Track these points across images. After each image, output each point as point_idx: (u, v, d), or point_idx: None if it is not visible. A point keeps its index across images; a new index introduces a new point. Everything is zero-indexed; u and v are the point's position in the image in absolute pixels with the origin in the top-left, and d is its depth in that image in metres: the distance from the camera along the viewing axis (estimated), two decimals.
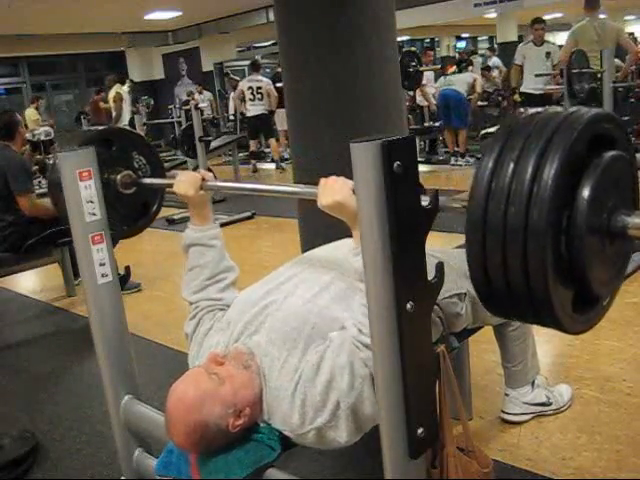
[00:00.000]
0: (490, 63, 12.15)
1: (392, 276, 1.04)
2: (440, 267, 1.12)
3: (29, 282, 4.76)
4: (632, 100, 6.98)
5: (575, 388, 2.31)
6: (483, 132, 8.79)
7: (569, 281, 0.87)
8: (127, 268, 3.90)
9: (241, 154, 9.53)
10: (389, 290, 1.05)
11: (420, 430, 1.12)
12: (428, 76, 8.21)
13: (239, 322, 1.53)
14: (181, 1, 10.37)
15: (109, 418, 1.83)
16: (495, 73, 11.48)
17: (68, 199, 1.65)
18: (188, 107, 7.33)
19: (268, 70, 14.39)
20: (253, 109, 9.19)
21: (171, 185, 1.67)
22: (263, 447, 1.39)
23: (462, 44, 20.56)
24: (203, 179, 1.62)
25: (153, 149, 1.97)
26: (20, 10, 8.76)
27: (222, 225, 5.95)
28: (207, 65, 14.10)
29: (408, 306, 1.06)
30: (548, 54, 6.74)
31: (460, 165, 7.94)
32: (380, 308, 1.06)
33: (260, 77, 9.33)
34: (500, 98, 10.30)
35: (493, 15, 14.00)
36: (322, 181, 1.31)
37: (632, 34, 17.60)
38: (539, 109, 0.91)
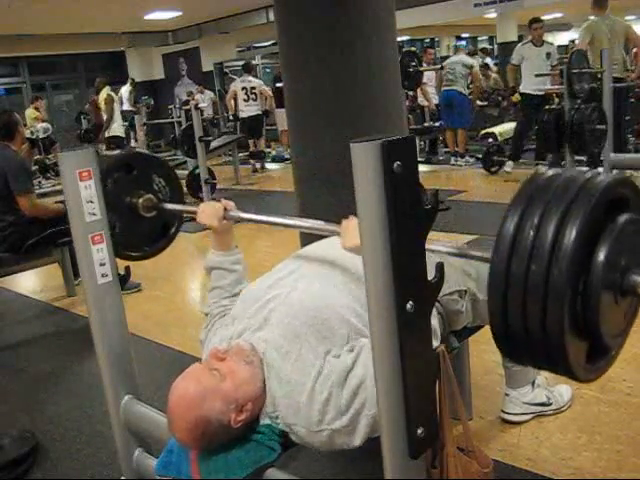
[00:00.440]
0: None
1: (392, 276, 1.04)
2: (440, 267, 1.12)
3: (29, 282, 4.76)
4: (632, 100, 6.98)
5: (575, 388, 2.31)
6: (483, 132, 8.79)
7: (583, 335, 0.95)
8: (127, 268, 3.90)
9: (241, 154, 9.53)
10: (389, 290, 1.04)
11: (420, 430, 1.12)
12: (428, 75, 8.20)
13: (243, 318, 1.55)
14: (181, 1, 10.36)
15: (109, 418, 1.83)
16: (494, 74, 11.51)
17: (68, 199, 1.65)
18: (188, 107, 7.33)
19: (268, 70, 14.41)
20: (247, 110, 9.22)
21: (193, 212, 1.75)
22: (263, 447, 1.39)
23: (462, 44, 20.55)
24: (225, 209, 1.68)
25: (172, 171, 2.00)
26: (20, 10, 8.75)
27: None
28: (207, 65, 14.09)
29: (408, 306, 1.06)
30: (548, 54, 6.68)
31: (460, 165, 7.94)
32: (380, 308, 1.06)
33: (251, 78, 9.35)
34: (500, 98, 10.30)
35: (493, 15, 13.99)
36: (344, 224, 1.36)
37: None
38: (558, 170, 0.98)
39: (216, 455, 1.39)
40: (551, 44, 7.16)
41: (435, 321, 1.63)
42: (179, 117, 8.86)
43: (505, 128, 8.41)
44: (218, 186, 7.00)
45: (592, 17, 6.15)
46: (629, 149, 6.63)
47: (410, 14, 11.21)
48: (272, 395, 1.41)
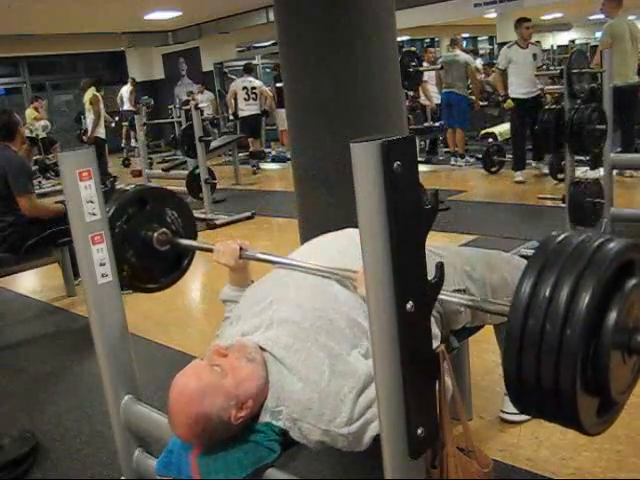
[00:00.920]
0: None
1: (392, 276, 1.04)
2: (440, 267, 1.12)
3: (29, 282, 4.76)
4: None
5: None
6: (483, 132, 8.79)
7: (593, 392, 1.01)
8: None
9: (241, 154, 9.54)
10: (389, 290, 1.04)
11: (420, 430, 1.12)
12: (430, 73, 8.19)
13: (247, 318, 1.56)
14: (181, 1, 10.36)
15: (109, 418, 1.83)
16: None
17: (68, 199, 1.66)
18: (188, 107, 7.33)
19: (268, 70, 14.39)
20: (247, 109, 9.29)
21: (208, 249, 1.81)
22: (262, 448, 1.39)
23: (459, 38, 20.53)
24: (241, 248, 1.73)
25: (184, 204, 2.04)
26: (20, 10, 8.75)
27: (222, 225, 5.94)
28: (207, 65, 14.09)
29: (408, 306, 1.06)
30: (534, 56, 6.50)
31: (460, 165, 7.94)
32: (380, 308, 1.06)
33: (252, 78, 9.43)
34: (500, 98, 10.29)
35: (493, 15, 13.98)
36: (360, 272, 1.37)
37: None
38: (571, 234, 1.05)
39: (216, 455, 1.39)
40: (536, 45, 6.95)
41: (435, 321, 1.63)
42: (179, 117, 8.85)
43: (505, 128, 8.40)
44: (218, 186, 7.01)
45: (613, 19, 6.02)
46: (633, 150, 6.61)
47: (410, 14, 11.20)
48: (277, 390, 1.41)
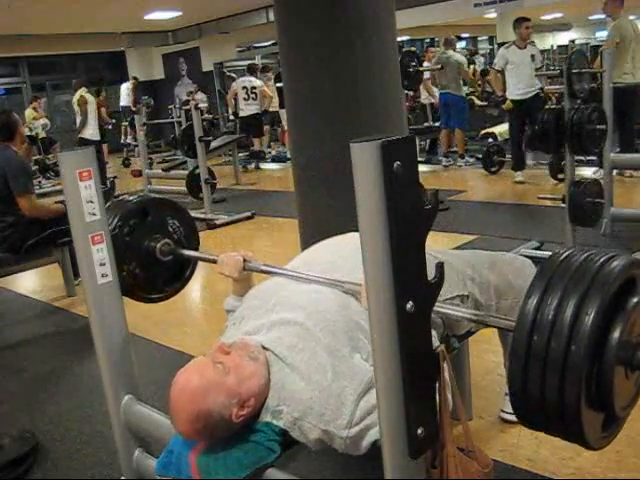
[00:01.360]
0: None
1: (392, 276, 1.04)
2: (440, 267, 1.12)
3: (29, 282, 4.76)
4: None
5: None
6: (483, 132, 8.79)
7: (597, 407, 1.03)
8: None
9: (241, 154, 9.54)
10: (389, 290, 1.04)
11: (420, 430, 1.12)
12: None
13: (251, 319, 1.57)
14: (181, 1, 10.35)
15: (109, 418, 1.83)
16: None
17: (68, 199, 1.66)
18: (188, 107, 7.33)
19: None
20: (247, 109, 9.37)
21: (212, 260, 1.82)
22: (262, 448, 1.39)
23: (462, 44, 20.55)
24: (245, 260, 1.73)
25: (186, 213, 2.06)
26: (20, 10, 8.75)
27: (222, 225, 5.93)
28: (207, 65, 14.09)
29: (408, 306, 1.06)
30: (532, 57, 6.44)
31: (460, 165, 7.94)
32: (380, 308, 1.06)
33: (252, 78, 9.49)
34: (499, 99, 10.29)
35: (493, 15, 13.97)
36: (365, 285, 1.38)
37: None
38: (575, 252, 1.07)
39: (215, 455, 1.39)
40: (534, 46, 6.90)
41: (436, 323, 1.63)
42: (179, 117, 8.85)
43: (505, 128, 8.39)
44: (218, 186, 7.01)
45: (621, 18, 5.99)
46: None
47: (410, 14, 11.19)
48: (279, 389, 1.41)
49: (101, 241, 1.68)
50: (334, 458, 2.04)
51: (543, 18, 15.92)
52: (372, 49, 2.62)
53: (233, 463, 1.37)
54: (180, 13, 11.34)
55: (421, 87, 7.91)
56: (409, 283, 1.06)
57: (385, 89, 2.70)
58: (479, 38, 21.29)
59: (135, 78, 12.85)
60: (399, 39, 8.70)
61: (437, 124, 8.52)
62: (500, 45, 15.21)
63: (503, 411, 2.20)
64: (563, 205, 3.78)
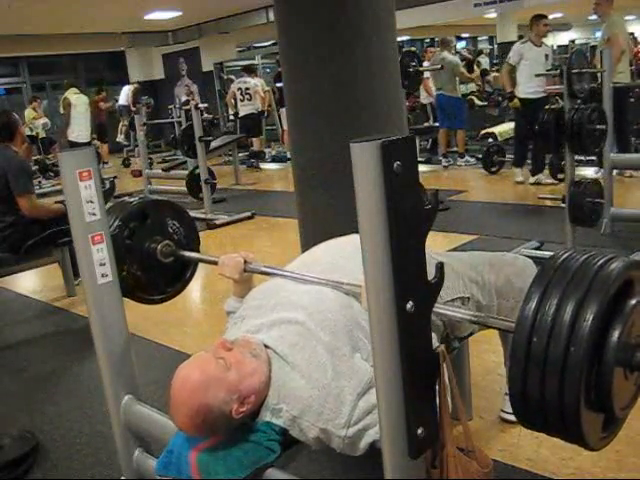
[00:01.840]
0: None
1: (392, 276, 1.04)
2: (440, 267, 1.12)
3: (29, 282, 4.76)
4: (632, 100, 6.96)
5: None
6: (483, 132, 8.79)
7: (597, 408, 1.04)
8: None
9: (241, 154, 9.54)
10: (389, 290, 1.04)
11: (420, 430, 1.12)
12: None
13: (252, 318, 1.57)
14: (181, 1, 10.36)
15: (109, 418, 1.83)
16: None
17: (68, 199, 1.66)
18: (188, 107, 7.33)
19: (268, 70, 14.40)
20: (243, 109, 9.52)
21: (213, 262, 1.81)
22: (262, 448, 1.39)
23: (462, 44, 20.55)
24: (245, 261, 1.72)
25: (185, 214, 2.06)
26: (20, 10, 8.75)
27: (222, 225, 5.93)
28: (207, 65, 14.08)
29: (408, 306, 1.06)
30: (546, 56, 6.34)
31: (460, 165, 7.94)
32: (380, 308, 1.06)
33: (248, 79, 9.62)
34: (500, 98, 10.30)
35: (493, 15, 13.98)
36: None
37: (632, 34, 17.61)
38: (574, 254, 1.08)
39: (215, 455, 1.39)
40: (547, 45, 6.79)
41: (437, 324, 1.63)
42: (179, 117, 8.86)
43: (505, 128, 8.40)
44: (218, 186, 7.01)
45: (614, 16, 5.98)
46: (632, 150, 6.60)
47: (410, 14, 11.21)
48: (279, 387, 1.42)
49: (101, 241, 1.68)
50: (334, 458, 2.04)
51: None
52: (372, 49, 2.62)
53: (233, 463, 1.37)
54: (180, 13, 11.34)
55: (421, 87, 7.91)
56: (409, 283, 1.06)
57: (385, 89, 2.70)
58: (479, 38, 21.31)
59: (139, 82, 12.86)
60: (399, 39, 8.68)
61: (437, 124, 8.52)
62: (500, 45, 15.25)
63: (503, 411, 2.20)
64: (563, 205, 3.79)
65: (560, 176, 5.33)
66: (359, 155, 1.02)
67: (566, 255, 1.08)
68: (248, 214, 6.19)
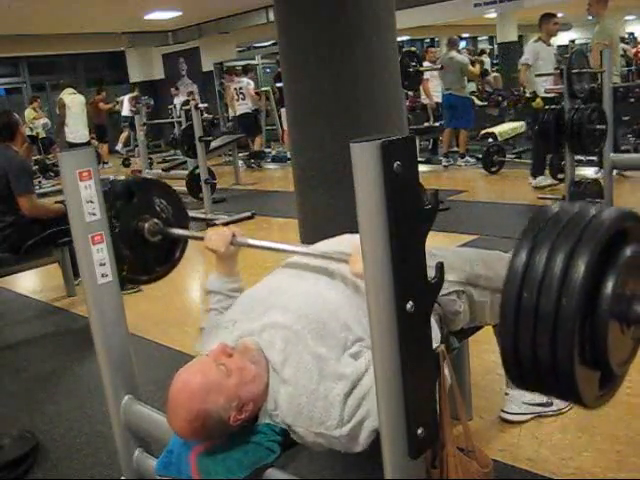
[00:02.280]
0: None
1: (392, 276, 1.04)
2: (440, 267, 1.12)
3: (29, 282, 4.76)
4: (632, 100, 6.96)
5: None
6: (483, 132, 8.78)
7: (592, 364, 0.99)
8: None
9: (241, 154, 9.55)
10: (389, 290, 1.04)
11: (420, 430, 1.12)
12: (431, 72, 8.16)
13: (243, 321, 1.55)
14: (181, 1, 10.36)
15: (109, 418, 1.83)
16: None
17: (68, 199, 1.66)
18: (188, 107, 7.33)
19: (268, 70, 14.41)
20: (239, 108, 9.79)
21: (199, 238, 1.78)
22: (262, 449, 1.39)
23: (462, 44, 20.56)
24: (234, 235, 1.70)
25: (173, 193, 2.02)
26: (20, 10, 8.75)
27: (222, 225, 5.93)
28: (207, 65, 14.09)
29: (408, 306, 1.06)
30: (555, 55, 6.34)
31: (460, 165, 7.94)
32: (380, 308, 1.06)
33: (242, 79, 9.85)
34: (500, 98, 10.30)
35: (493, 15, 13.99)
36: (353, 252, 1.37)
37: (632, 34, 17.61)
38: (565, 204, 1.03)
39: (215, 456, 1.39)
40: (552, 45, 6.92)
41: (434, 322, 1.63)
42: (179, 117, 8.86)
43: (505, 128, 8.40)
44: (218, 186, 7.01)
45: (590, 17, 6.03)
46: (627, 149, 6.59)
47: (410, 14, 11.21)
48: (274, 393, 1.41)
49: (101, 241, 1.68)
50: (334, 458, 2.04)
51: None
52: (372, 49, 2.62)
53: (233, 463, 1.37)
54: (180, 13, 11.35)
55: (421, 87, 7.91)
56: (409, 283, 1.06)
57: (385, 89, 2.70)
58: (479, 38, 21.31)
59: (136, 84, 12.87)
60: (399, 39, 8.68)
61: (438, 124, 8.52)
62: (500, 45, 15.26)
63: (503, 411, 2.20)
64: None
65: (560, 176, 5.33)
66: (359, 155, 1.02)
67: (556, 207, 1.02)
68: (248, 214, 6.19)
